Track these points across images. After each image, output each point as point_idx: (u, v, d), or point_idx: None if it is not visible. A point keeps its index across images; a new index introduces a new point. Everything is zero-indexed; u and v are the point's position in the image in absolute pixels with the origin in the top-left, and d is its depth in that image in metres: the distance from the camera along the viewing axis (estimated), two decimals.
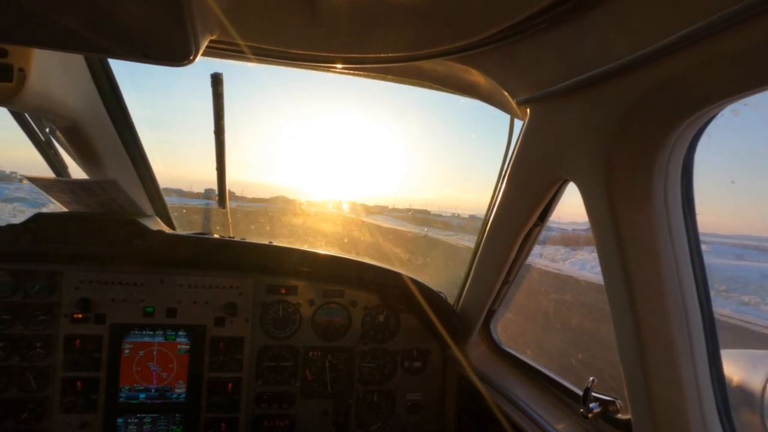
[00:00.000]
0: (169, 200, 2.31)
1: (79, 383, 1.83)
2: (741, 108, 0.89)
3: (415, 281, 2.06)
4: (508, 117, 1.61)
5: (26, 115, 1.88)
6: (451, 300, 2.14)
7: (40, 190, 1.92)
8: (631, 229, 1.01)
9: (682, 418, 1.01)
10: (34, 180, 1.84)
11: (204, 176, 2.25)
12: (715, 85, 0.81)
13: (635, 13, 0.84)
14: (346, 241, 3.84)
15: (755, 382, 1.08)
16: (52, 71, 1.51)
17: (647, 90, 0.89)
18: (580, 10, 0.91)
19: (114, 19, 0.86)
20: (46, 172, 2.12)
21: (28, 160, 2.06)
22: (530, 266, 1.92)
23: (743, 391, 1.08)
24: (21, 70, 1.31)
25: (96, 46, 0.98)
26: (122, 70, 1.87)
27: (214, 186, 2.24)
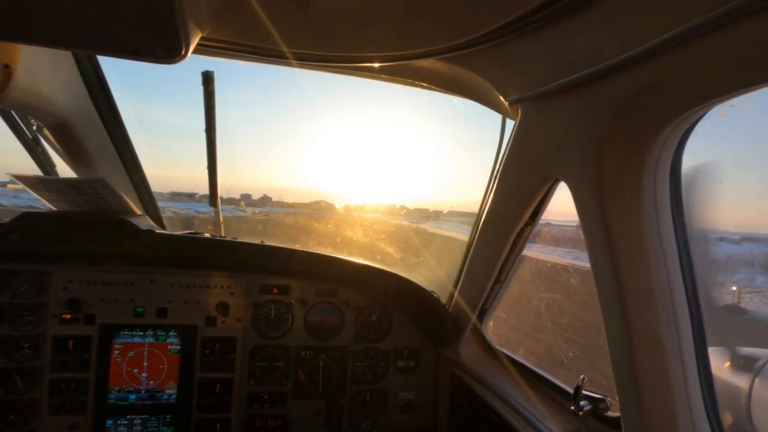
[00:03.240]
0: (179, 206, 2.28)
1: (67, 385, 1.81)
2: (728, 109, 0.90)
3: (408, 281, 2.06)
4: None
5: (12, 112, 1.85)
6: (444, 300, 2.15)
7: (27, 189, 1.89)
8: (620, 228, 1.02)
9: (670, 414, 1.03)
10: (20, 178, 1.81)
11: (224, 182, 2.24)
12: (703, 86, 0.82)
13: (625, 14, 0.85)
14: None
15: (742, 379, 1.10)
16: (39, 68, 1.48)
17: (637, 90, 0.90)
18: (571, 11, 0.92)
19: (102, 15, 0.85)
20: (33, 171, 2.09)
21: (28, 170, 2.03)
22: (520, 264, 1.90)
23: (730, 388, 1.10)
24: (6, 66, 1.29)
25: (84, 42, 0.97)
26: (112, 66, 1.85)
27: (235, 192, 2.24)
